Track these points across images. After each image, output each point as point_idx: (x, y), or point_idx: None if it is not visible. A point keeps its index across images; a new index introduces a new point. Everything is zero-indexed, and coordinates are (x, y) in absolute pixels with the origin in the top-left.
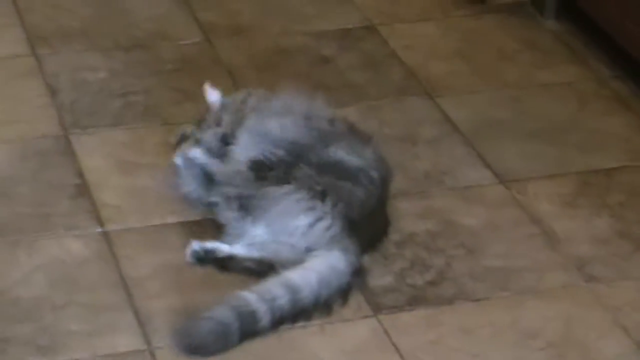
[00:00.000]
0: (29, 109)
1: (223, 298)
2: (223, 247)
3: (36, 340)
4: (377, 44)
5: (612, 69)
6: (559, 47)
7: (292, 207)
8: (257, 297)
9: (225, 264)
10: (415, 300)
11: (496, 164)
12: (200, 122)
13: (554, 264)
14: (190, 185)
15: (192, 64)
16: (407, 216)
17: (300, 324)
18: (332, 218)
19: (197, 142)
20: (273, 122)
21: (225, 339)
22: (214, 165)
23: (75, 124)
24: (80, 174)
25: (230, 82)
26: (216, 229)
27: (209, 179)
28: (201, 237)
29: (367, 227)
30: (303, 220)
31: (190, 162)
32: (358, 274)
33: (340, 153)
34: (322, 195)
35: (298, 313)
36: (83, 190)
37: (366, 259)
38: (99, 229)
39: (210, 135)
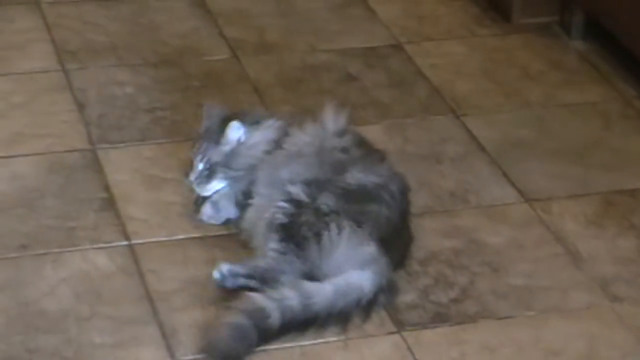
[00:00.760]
0: (57, 123)
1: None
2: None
3: (61, 352)
4: (403, 61)
5: (637, 89)
6: (584, 67)
7: (349, 249)
8: (263, 296)
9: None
10: (439, 318)
11: (521, 182)
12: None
13: (578, 284)
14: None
15: (219, 80)
16: (431, 234)
17: (324, 339)
18: (371, 243)
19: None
20: (284, 172)
21: (245, 340)
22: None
23: (103, 139)
24: (107, 188)
25: (256, 98)
26: (240, 244)
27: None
28: (226, 251)
29: (394, 242)
30: (360, 256)
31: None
32: (385, 291)
33: (357, 176)
34: (359, 224)
35: (310, 319)
36: (109, 204)
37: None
38: (125, 243)
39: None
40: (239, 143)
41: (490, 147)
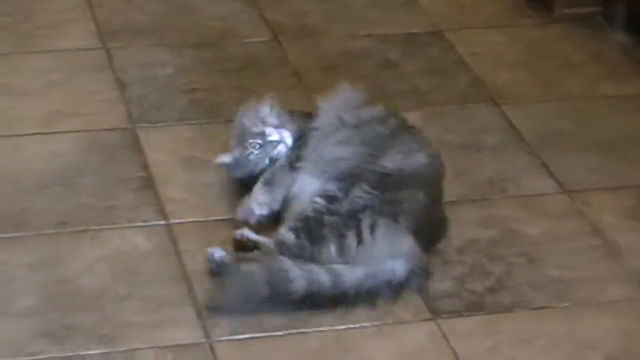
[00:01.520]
0: (97, 102)
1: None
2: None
3: (97, 330)
4: (444, 49)
5: None
6: (626, 59)
7: (386, 242)
8: (294, 263)
9: None
10: (474, 307)
11: (560, 173)
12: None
13: (615, 277)
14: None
15: (258, 63)
16: (468, 223)
17: (359, 324)
18: (408, 236)
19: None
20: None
21: (251, 291)
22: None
23: (142, 118)
24: (146, 168)
25: (296, 82)
26: (276, 225)
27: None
28: (260, 232)
29: (424, 229)
30: (395, 249)
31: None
32: (418, 275)
33: (396, 159)
34: (395, 218)
35: (338, 296)
36: (148, 183)
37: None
38: (162, 222)
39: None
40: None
41: (530, 137)
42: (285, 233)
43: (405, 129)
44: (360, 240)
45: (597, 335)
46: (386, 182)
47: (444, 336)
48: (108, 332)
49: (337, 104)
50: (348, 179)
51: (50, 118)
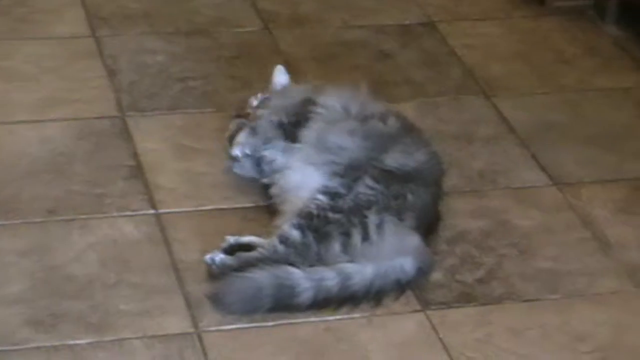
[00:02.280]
0: (88, 89)
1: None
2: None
3: (86, 318)
4: (437, 41)
5: None
6: (618, 52)
7: (393, 240)
8: (303, 274)
9: None
10: (464, 298)
11: (551, 166)
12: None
13: (605, 269)
14: (249, 172)
15: (251, 52)
16: (459, 214)
17: (348, 315)
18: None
19: (253, 131)
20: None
21: (254, 302)
22: (270, 152)
23: (133, 107)
24: (136, 156)
25: (288, 72)
26: (269, 216)
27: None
28: (253, 222)
29: (424, 224)
30: (403, 246)
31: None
32: (426, 274)
33: (397, 157)
34: (400, 216)
35: (346, 298)
36: (137, 172)
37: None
38: (152, 211)
39: (267, 123)
40: (285, 87)
41: (521, 129)
42: (289, 230)
43: (406, 128)
44: (366, 238)
45: (588, 327)
46: (389, 178)
47: (434, 327)
48: (96, 320)
49: (342, 94)
50: (350, 173)
51: (41, 105)
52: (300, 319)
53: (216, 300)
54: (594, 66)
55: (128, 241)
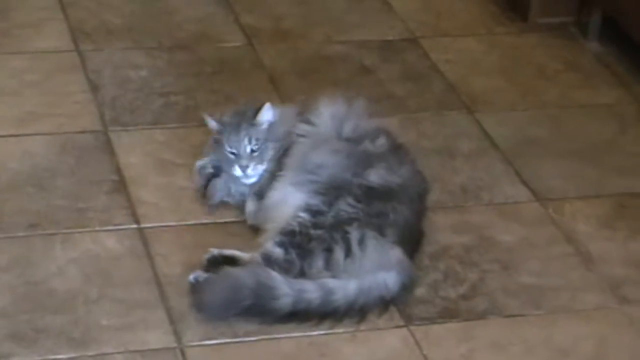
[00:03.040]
0: (70, 104)
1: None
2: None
3: (68, 333)
4: (419, 56)
5: None
6: (600, 68)
7: (375, 255)
8: (284, 280)
9: None
10: (448, 313)
11: (533, 181)
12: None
13: (588, 285)
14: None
15: (234, 66)
16: (442, 229)
17: (332, 330)
18: (396, 247)
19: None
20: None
21: (234, 295)
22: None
23: (115, 121)
24: (118, 171)
25: (271, 87)
26: (252, 231)
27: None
28: (235, 237)
29: (407, 241)
30: (386, 260)
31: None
32: (409, 290)
33: (381, 173)
34: (382, 231)
35: (328, 313)
36: (120, 186)
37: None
38: (134, 226)
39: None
40: (271, 123)
41: (504, 144)
42: (272, 248)
43: (393, 148)
44: (348, 254)
45: (571, 342)
46: (371, 195)
47: (417, 343)
48: (78, 335)
49: (337, 113)
50: (331, 192)
51: (24, 119)
52: (283, 333)
53: (197, 296)
54: (576, 82)
55: (110, 255)
